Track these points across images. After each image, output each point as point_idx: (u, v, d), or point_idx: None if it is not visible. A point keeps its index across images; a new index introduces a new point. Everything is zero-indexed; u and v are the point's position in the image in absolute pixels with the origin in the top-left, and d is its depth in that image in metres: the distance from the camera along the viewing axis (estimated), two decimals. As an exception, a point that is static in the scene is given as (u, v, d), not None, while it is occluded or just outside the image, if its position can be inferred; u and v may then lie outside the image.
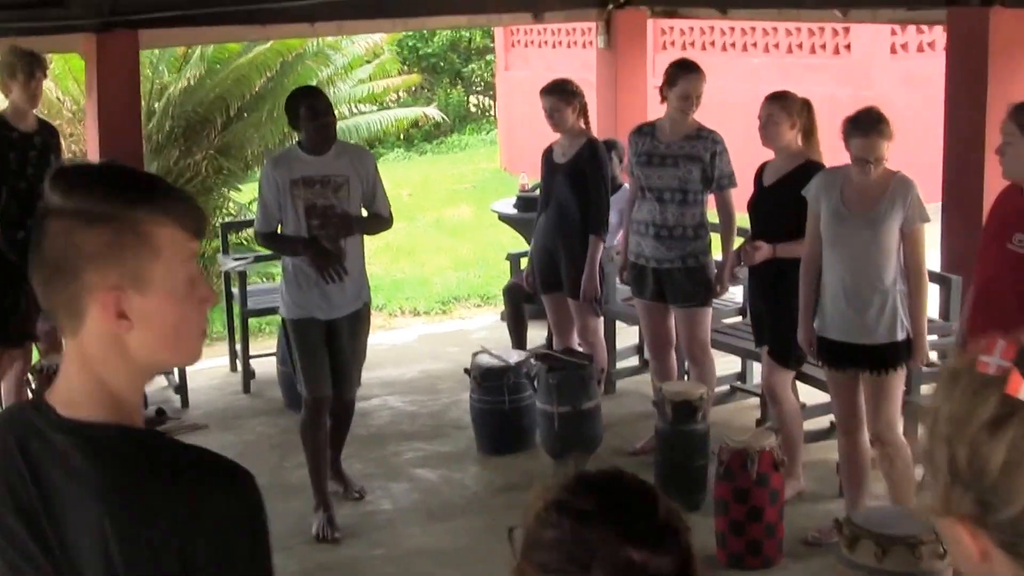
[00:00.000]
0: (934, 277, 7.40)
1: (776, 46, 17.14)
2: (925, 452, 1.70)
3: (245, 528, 2.17)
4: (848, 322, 6.56)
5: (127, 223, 2.16)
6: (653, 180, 8.06)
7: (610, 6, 11.96)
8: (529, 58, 21.74)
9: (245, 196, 15.53)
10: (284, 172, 7.37)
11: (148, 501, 2.11)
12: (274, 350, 9.96)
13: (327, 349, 7.51)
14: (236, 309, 10.26)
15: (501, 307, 12.14)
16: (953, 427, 1.65)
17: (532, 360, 8.62)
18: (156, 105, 14.73)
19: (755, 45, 17.43)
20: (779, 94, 7.48)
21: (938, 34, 15.35)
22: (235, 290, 10.16)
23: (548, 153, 8.86)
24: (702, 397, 7.65)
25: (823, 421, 8.47)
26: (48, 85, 8.56)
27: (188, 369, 9.32)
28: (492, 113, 27.68)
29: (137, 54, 10.20)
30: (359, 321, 7.60)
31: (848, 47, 16.23)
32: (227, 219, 14.22)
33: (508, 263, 11.54)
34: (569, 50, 20.40)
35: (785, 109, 7.36)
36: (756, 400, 9.06)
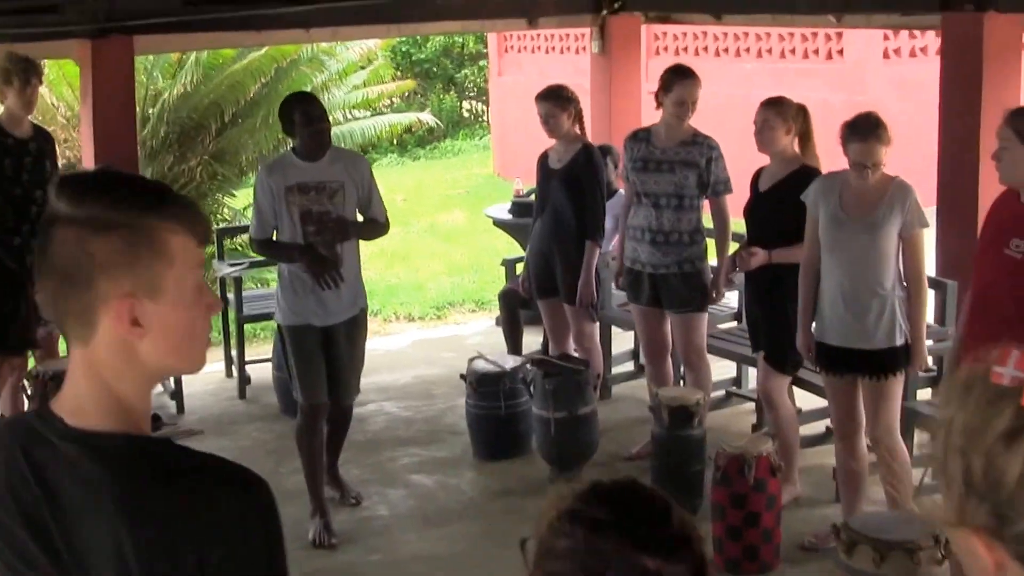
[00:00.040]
0: (929, 282, 7.42)
1: (769, 51, 17.16)
2: (938, 462, 1.69)
3: (261, 534, 2.18)
4: (847, 327, 6.56)
5: (141, 231, 2.16)
6: (649, 186, 8.07)
7: (604, 12, 11.96)
8: (522, 64, 21.74)
9: (239, 202, 15.53)
10: (279, 179, 7.34)
11: (165, 509, 2.10)
12: (270, 355, 9.94)
13: (324, 355, 7.49)
14: (232, 315, 10.26)
15: (495, 312, 12.14)
16: (968, 438, 1.64)
17: (528, 366, 8.62)
18: (151, 111, 14.75)
19: (748, 50, 17.45)
20: (774, 100, 7.49)
21: (930, 39, 15.41)
22: (231, 296, 10.16)
23: (544, 159, 8.87)
24: (699, 402, 7.65)
25: (819, 426, 8.48)
26: (42, 91, 8.55)
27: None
28: (485, 118, 27.68)
29: (132, 60, 10.19)
30: (356, 327, 7.58)
31: (841, 52, 16.26)
32: (222, 225, 14.22)
33: (503, 268, 11.55)
34: (562, 56, 20.40)
35: (780, 115, 7.37)
36: (752, 405, 9.06)
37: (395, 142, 25.14)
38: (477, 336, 11.95)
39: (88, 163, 9.91)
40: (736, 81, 16.54)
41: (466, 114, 29.32)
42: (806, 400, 8.19)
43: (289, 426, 8.28)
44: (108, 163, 9.15)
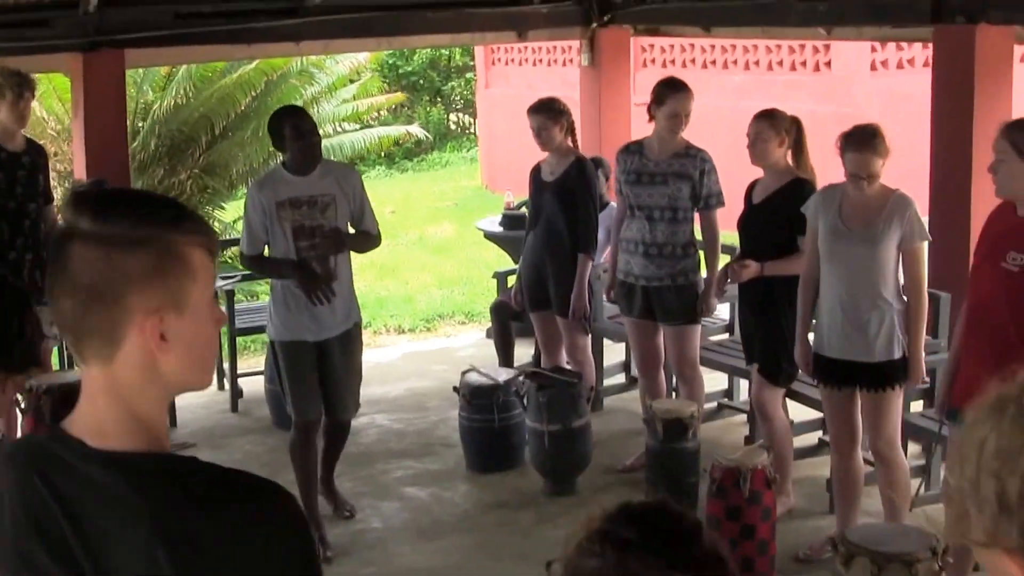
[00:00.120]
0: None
1: (757, 63, 17.20)
2: (970, 482, 1.68)
3: (296, 548, 2.18)
4: (845, 339, 6.57)
5: (167, 246, 2.15)
6: (643, 198, 8.08)
7: (594, 25, 11.99)
8: (510, 76, 21.77)
9: (229, 215, 15.53)
10: (269, 194, 7.30)
11: (201, 528, 2.09)
12: (262, 368, 9.94)
13: (318, 371, 7.47)
14: (224, 328, 10.22)
15: (486, 324, 12.15)
16: (1002, 460, 1.63)
17: (522, 378, 8.62)
18: (141, 124, 14.76)
19: (736, 62, 17.49)
20: (767, 112, 7.50)
21: (917, 51, 15.46)
22: (223, 308, 10.13)
23: (536, 171, 8.88)
24: (693, 415, 7.67)
25: (811, 438, 8.52)
26: (32, 104, 8.55)
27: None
28: (472, 131, 27.72)
29: (123, 73, 10.19)
30: (350, 341, 7.55)
31: (828, 64, 16.30)
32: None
33: (495, 281, 11.54)
34: (549, 68, 20.45)
35: (773, 127, 7.38)
36: (743, 417, 9.09)
37: (383, 154, 25.16)
38: (468, 348, 11.95)
39: (80, 176, 9.90)
40: (724, 93, 16.58)
41: (453, 126, 29.37)
42: (798, 412, 8.21)
43: (282, 439, 8.27)
44: (100, 176, 9.16)
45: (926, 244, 6.60)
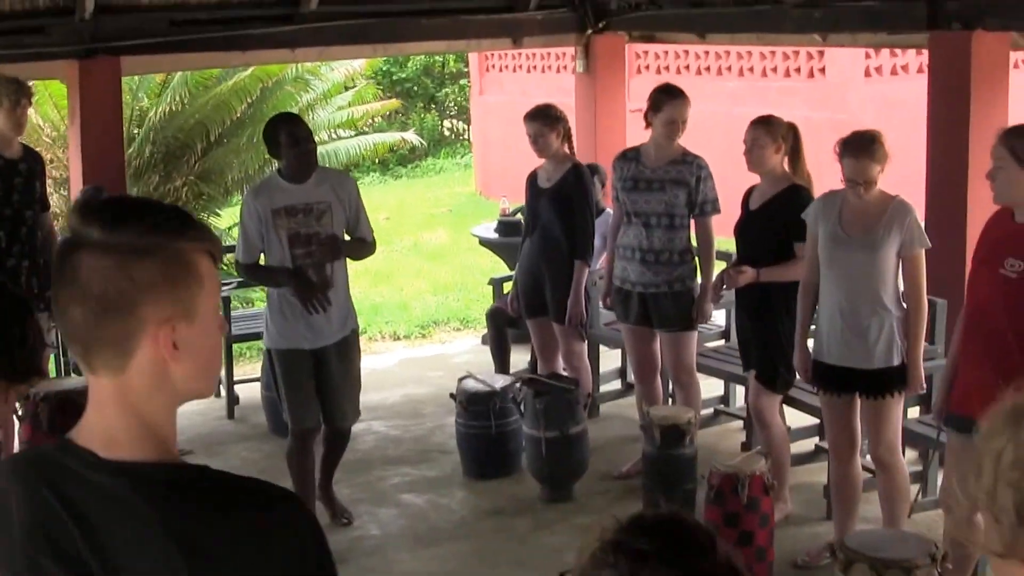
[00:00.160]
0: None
1: (751, 70, 17.21)
2: (987, 493, 1.68)
3: (313, 554, 2.18)
4: (845, 346, 6.58)
5: (176, 254, 2.15)
6: (639, 205, 8.08)
7: (589, 31, 12.01)
8: (504, 83, 21.78)
9: (225, 221, 15.52)
10: (265, 202, 7.28)
11: (216, 536, 2.09)
12: (258, 375, 9.93)
13: (316, 378, 7.45)
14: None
15: (481, 331, 12.16)
16: (1021, 471, 1.62)
17: (519, 385, 8.62)
18: (136, 131, 14.75)
19: (730, 69, 17.50)
20: (764, 118, 7.50)
21: (911, 57, 15.48)
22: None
23: (533, 178, 8.88)
24: (690, 421, 7.66)
25: (808, 444, 8.53)
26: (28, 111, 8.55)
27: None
28: (466, 137, 27.74)
29: (119, 80, 10.21)
30: (348, 348, 7.53)
31: (823, 70, 16.30)
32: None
33: (490, 287, 11.55)
34: (544, 75, 20.45)
35: (770, 133, 7.39)
36: (740, 423, 9.11)
37: (377, 161, 25.18)
38: (463, 355, 11.96)
39: (76, 183, 9.90)
40: (718, 99, 16.58)
41: (447, 133, 29.40)
42: (795, 418, 8.22)
43: (278, 445, 8.27)
44: (97, 183, 9.16)
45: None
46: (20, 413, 7.70)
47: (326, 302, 7.26)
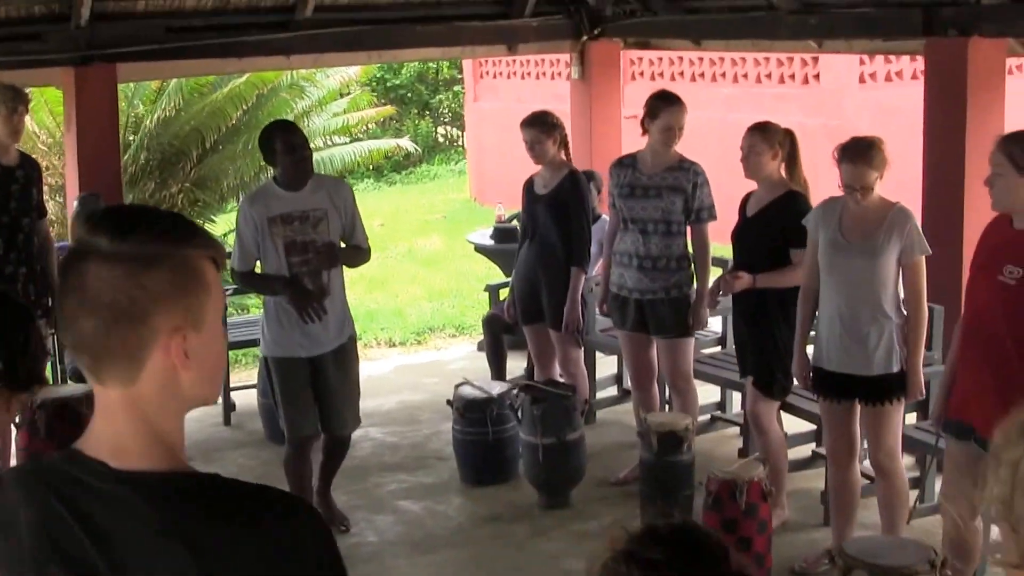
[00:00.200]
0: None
1: (745, 76, 17.22)
2: (1003, 503, 1.67)
3: (326, 560, 2.18)
4: (844, 352, 6.58)
5: (184, 261, 2.15)
6: (636, 212, 8.08)
7: (584, 38, 12.01)
8: (498, 89, 21.77)
9: (220, 228, 15.51)
10: (261, 209, 7.26)
11: (232, 544, 2.08)
12: (254, 381, 9.92)
13: (313, 386, 7.44)
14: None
15: (476, 337, 12.15)
16: None
17: (516, 391, 8.61)
18: (132, 137, 14.74)
19: (724, 75, 17.51)
20: (760, 125, 7.51)
21: (905, 64, 15.49)
22: (217, 322, 10.12)
23: (529, 184, 8.89)
24: (687, 428, 7.66)
25: (805, 450, 8.54)
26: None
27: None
28: (460, 143, 27.75)
29: (115, 87, 10.20)
30: (345, 355, 7.53)
31: (817, 77, 16.31)
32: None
33: (487, 294, 11.55)
34: (538, 81, 20.44)
35: (766, 140, 7.39)
36: (737, 429, 9.11)
37: (371, 167, 25.20)
38: (459, 361, 11.95)
39: (72, 190, 9.90)
40: (712, 106, 16.58)
41: (441, 139, 29.40)
42: (792, 424, 8.22)
43: (274, 452, 8.26)
44: (93, 190, 9.16)
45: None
46: (17, 420, 7.69)
47: (322, 311, 7.25)
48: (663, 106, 8.02)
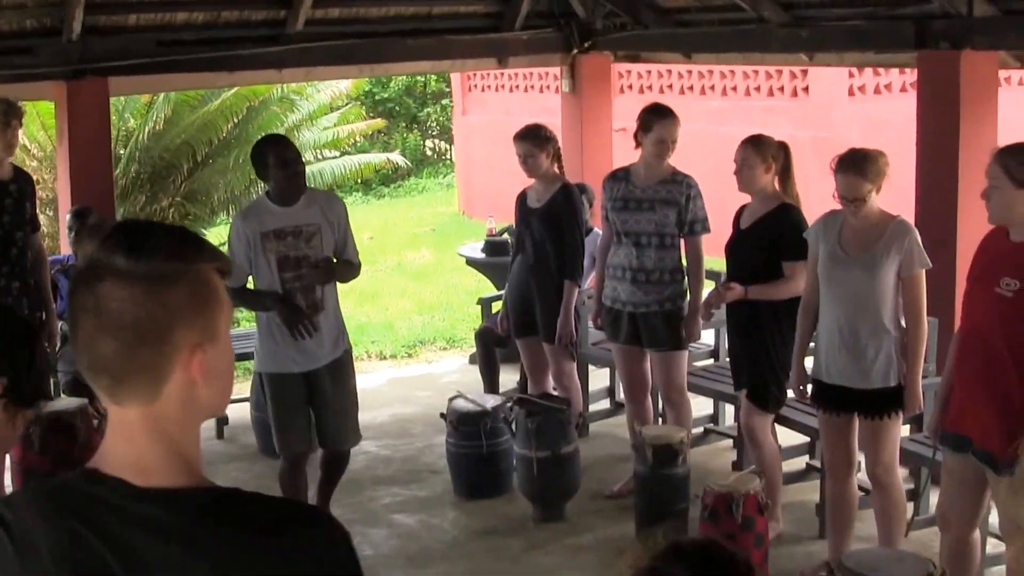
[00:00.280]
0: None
1: (735, 89, 17.25)
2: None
3: (349, 572, 2.18)
4: (843, 365, 6.58)
5: (198, 276, 2.15)
6: (630, 225, 8.09)
7: (575, 51, 12.03)
8: (487, 102, 21.80)
9: (211, 241, 15.49)
10: (254, 225, 7.22)
11: (258, 558, 2.08)
12: (247, 395, 9.91)
13: (309, 401, 7.39)
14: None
15: (467, 350, 12.16)
16: None
17: (509, 404, 8.61)
18: (122, 151, 14.71)
19: (713, 88, 17.55)
20: (754, 138, 7.53)
21: (895, 76, 15.53)
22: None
23: (522, 198, 8.90)
24: (682, 441, 7.67)
25: (799, 462, 8.54)
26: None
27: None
28: (448, 156, 27.77)
29: (107, 101, 10.19)
30: (341, 369, 7.48)
31: (806, 89, 16.35)
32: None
33: (479, 307, 11.55)
34: (527, 94, 20.46)
35: (760, 153, 7.41)
36: (730, 442, 9.12)
37: (360, 180, 25.20)
38: (451, 375, 11.95)
39: (64, 203, 9.89)
40: (702, 118, 16.62)
41: (429, 152, 29.42)
42: (786, 437, 8.23)
43: (268, 466, 8.25)
44: (85, 203, 9.14)
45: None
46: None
47: (313, 327, 7.21)
48: (656, 119, 8.04)
